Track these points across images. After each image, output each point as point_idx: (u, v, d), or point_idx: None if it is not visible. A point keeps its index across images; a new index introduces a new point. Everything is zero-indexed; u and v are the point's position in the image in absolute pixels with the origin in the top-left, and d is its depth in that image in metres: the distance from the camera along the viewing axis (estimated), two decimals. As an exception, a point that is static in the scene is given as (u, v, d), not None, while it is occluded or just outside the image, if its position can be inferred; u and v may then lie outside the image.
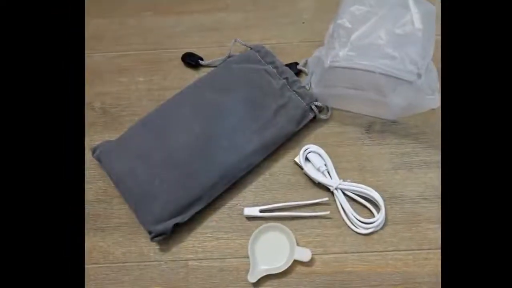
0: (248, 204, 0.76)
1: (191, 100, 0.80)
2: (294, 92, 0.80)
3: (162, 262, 0.73)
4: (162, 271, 0.72)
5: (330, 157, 0.77)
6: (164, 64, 0.89)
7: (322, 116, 0.81)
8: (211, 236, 0.74)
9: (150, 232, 0.72)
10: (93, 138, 0.82)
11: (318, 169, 0.76)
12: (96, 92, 0.87)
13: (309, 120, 0.80)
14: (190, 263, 0.73)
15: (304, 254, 0.70)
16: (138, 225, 0.74)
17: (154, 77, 0.88)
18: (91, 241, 0.74)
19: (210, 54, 0.89)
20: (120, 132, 0.80)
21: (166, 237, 0.72)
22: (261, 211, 0.74)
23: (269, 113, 0.78)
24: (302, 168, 0.77)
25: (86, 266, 0.73)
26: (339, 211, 0.74)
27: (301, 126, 0.80)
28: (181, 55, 0.89)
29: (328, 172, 0.76)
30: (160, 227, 0.71)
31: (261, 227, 0.72)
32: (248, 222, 0.75)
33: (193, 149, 0.75)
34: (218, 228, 0.75)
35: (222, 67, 0.85)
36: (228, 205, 0.76)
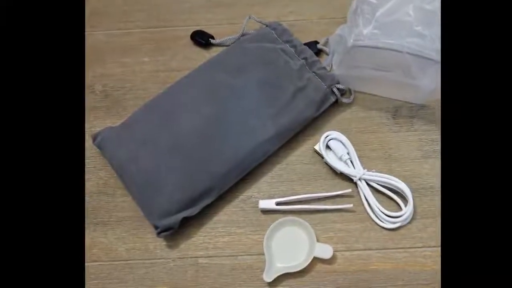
0: (263, 196, 0.72)
1: (201, 82, 0.76)
2: (313, 74, 0.75)
3: (169, 260, 0.69)
4: (169, 270, 0.68)
5: (353, 145, 0.73)
6: (171, 43, 0.85)
7: (345, 100, 0.77)
8: (222, 231, 0.70)
9: (156, 227, 0.68)
10: (93, 124, 0.78)
11: (340, 158, 0.72)
12: (97, 74, 0.83)
13: (330, 104, 0.76)
14: (200, 260, 0.69)
15: (324, 251, 0.67)
16: (143, 219, 0.70)
17: (161, 58, 0.84)
18: (91, 237, 0.71)
19: (221, 32, 0.84)
20: (123, 117, 0.76)
21: (174, 232, 0.68)
22: (277, 203, 0.70)
23: (287, 96, 0.73)
24: (322, 157, 0.73)
25: (86, 264, 0.69)
26: (363, 204, 0.71)
27: (321, 110, 0.75)
28: (190, 33, 0.84)
29: (351, 161, 0.72)
30: (167, 221, 0.67)
31: (277, 221, 0.68)
32: (264, 216, 0.71)
33: (203, 136, 0.71)
34: (230, 223, 0.71)
35: (234, 46, 0.81)
36: (241, 197, 0.72)
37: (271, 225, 0.68)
